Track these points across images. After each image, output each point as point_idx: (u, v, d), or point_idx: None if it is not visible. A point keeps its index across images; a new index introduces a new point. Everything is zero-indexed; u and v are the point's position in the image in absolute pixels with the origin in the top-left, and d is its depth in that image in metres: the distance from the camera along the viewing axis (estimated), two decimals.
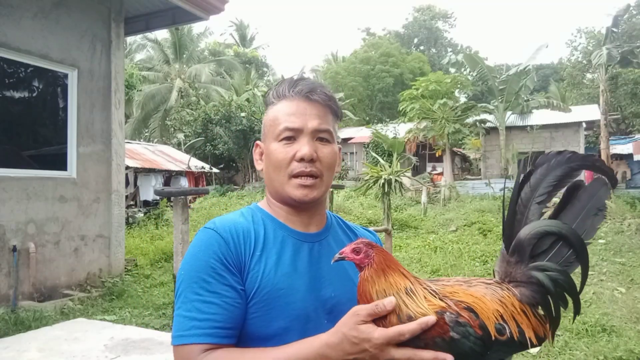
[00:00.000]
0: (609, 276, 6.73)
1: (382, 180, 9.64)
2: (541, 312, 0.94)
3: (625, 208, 11.35)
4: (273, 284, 1.03)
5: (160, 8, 7.11)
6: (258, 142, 1.21)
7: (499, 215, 11.12)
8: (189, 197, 10.11)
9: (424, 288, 0.92)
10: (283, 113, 1.11)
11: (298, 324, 1.03)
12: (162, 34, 29.00)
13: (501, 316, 0.89)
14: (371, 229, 1.42)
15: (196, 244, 1.06)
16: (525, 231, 0.94)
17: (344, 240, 1.20)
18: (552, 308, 0.93)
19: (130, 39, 27.33)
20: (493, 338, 0.87)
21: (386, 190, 9.53)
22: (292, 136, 1.09)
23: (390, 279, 0.94)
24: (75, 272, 6.17)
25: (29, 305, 5.27)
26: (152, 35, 28.31)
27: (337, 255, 0.99)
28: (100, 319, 4.89)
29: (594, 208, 0.94)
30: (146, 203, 14.80)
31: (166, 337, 4.17)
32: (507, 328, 0.88)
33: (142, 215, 13.13)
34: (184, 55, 29.31)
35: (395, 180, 9.69)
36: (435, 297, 0.90)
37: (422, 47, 44.04)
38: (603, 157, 13.86)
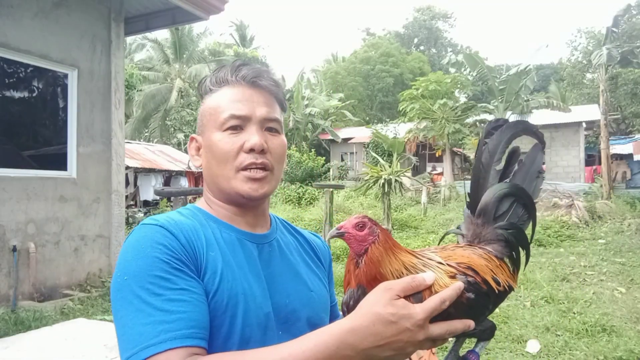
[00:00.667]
0: (609, 276, 6.73)
1: (382, 180, 9.65)
2: (508, 263, 1.00)
3: (625, 208, 11.35)
4: (232, 288, 0.90)
5: (160, 8, 7.11)
6: (193, 135, 1.06)
7: None
8: (189, 197, 10.11)
9: (429, 258, 0.89)
10: (226, 100, 0.99)
11: (258, 334, 0.91)
12: (162, 34, 29.00)
13: (491, 270, 0.91)
14: None
15: (137, 242, 0.89)
16: (489, 195, 0.99)
17: (291, 242, 1.12)
18: (515, 259, 1.00)
19: (130, 39, 27.32)
20: (496, 291, 0.88)
21: (386, 190, 9.54)
22: (238, 125, 0.97)
23: (400, 257, 0.87)
24: (75, 272, 6.17)
25: (29, 305, 5.27)
26: (152, 35, 28.30)
27: (334, 230, 0.87)
28: (100, 319, 4.89)
29: (535, 172, 1.03)
30: (146, 203, 14.81)
31: None
32: (499, 280, 0.91)
33: (142, 215, 13.13)
34: (184, 55, 29.31)
35: (395, 180, 9.70)
36: (442, 264, 0.88)
37: (422, 47, 44.06)
38: (603, 157, 13.86)
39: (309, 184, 18.94)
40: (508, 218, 0.99)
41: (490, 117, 20.87)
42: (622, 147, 21.01)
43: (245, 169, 0.97)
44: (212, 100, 1.02)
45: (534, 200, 1.02)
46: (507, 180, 1.02)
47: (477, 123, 20.27)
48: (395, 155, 14.43)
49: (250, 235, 1.02)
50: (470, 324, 0.81)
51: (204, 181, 1.06)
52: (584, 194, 13.42)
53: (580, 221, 10.17)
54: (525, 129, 1.05)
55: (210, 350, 0.84)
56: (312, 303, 1.03)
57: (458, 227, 1.05)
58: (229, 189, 0.99)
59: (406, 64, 33.51)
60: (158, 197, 13.95)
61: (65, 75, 6.19)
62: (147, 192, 14.69)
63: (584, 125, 21.86)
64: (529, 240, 1.01)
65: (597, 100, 18.49)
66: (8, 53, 5.54)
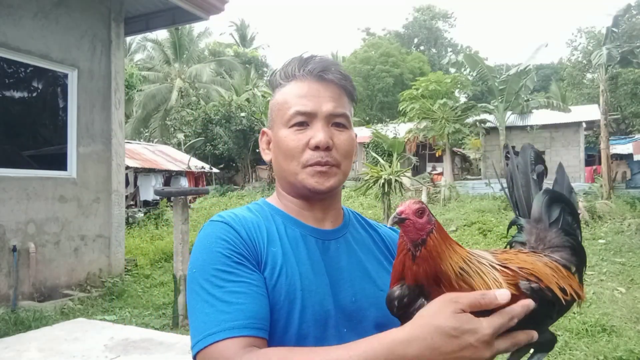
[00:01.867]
0: (609, 276, 6.73)
1: (382, 180, 9.65)
2: (574, 273, 0.95)
3: (625, 208, 11.34)
4: (291, 284, 0.91)
5: (160, 8, 7.11)
6: (265, 129, 1.08)
7: (499, 215, 11.12)
8: (189, 197, 10.11)
9: (480, 256, 0.83)
10: (293, 95, 0.98)
11: (316, 330, 0.91)
12: (162, 34, 29.03)
13: (557, 279, 0.85)
14: None
15: (204, 237, 0.94)
16: (539, 200, 0.97)
17: (364, 238, 1.08)
18: (579, 267, 0.97)
19: (130, 39, 27.34)
20: (562, 300, 0.82)
21: (386, 190, 9.54)
22: (304, 121, 0.97)
23: (456, 249, 0.80)
24: (75, 272, 6.17)
25: (29, 305, 5.27)
26: (152, 35, 28.36)
27: (395, 215, 0.80)
28: (100, 319, 4.89)
29: (568, 187, 1.03)
30: (146, 203, 14.81)
31: (166, 337, 4.17)
32: (565, 289, 0.85)
33: (142, 215, 13.13)
34: (184, 55, 29.31)
35: (395, 180, 9.70)
36: (495, 265, 0.82)
37: (422, 47, 44.06)
38: (603, 157, 13.85)
39: None
40: (561, 225, 0.97)
41: (490, 117, 20.89)
42: (622, 147, 21.01)
43: (310, 166, 0.97)
44: (281, 95, 1.01)
45: (578, 214, 1.01)
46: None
47: (477, 123, 20.27)
48: (395, 155, 14.42)
49: (316, 231, 1.01)
50: (533, 335, 0.76)
51: (275, 175, 1.07)
52: (584, 194, 13.41)
53: (580, 221, 10.16)
54: (536, 155, 1.07)
55: (268, 343, 0.86)
56: (380, 302, 0.95)
57: (514, 236, 1.01)
58: (296, 183, 0.99)
59: (406, 64, 33.50)
60: (158, 197, 13.95)
61: (65, 75, 6.19)
62: (147, 192, 14.68)
63: (584, 125, 21.85)
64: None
65: (597, 100, 18.50)
66: (8, 53, 5.55)
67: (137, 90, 24.54)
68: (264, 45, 43.89)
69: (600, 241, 8.81)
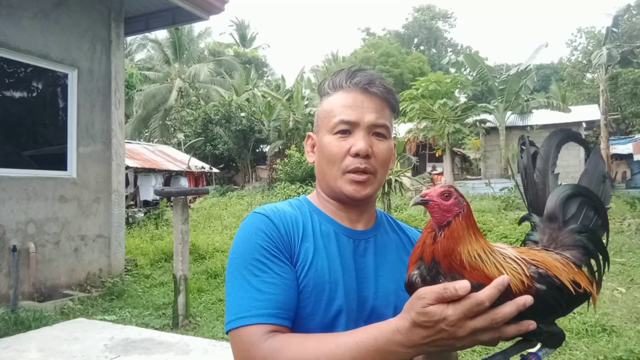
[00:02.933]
0: (609, 276, 6.73)
1: None
2: (587, 273, 0.94)
3: (625, 208, 11.34)
4: (319, 277, 0.99)
5: (160, 8, 7.11)
6: (310, 133, 1.16)
7: (499, 215, 11.12)
8: (189, 197, 10.11)
9: (502, 249, 0.85)
10: (339, 105, 1.06)
11: (340, 322, 0.99)
12: (162, 34, 29.01)
13: (567, 273, 0.85)
14: None
15: (247, 227, 1.03)
16: (554, 197, 0.96)
17: (393, 240, 1.15)
18: (595, 269, 0.95)
19: (130, 39, 27.34)
20: (574, 292, 0.83)
21: (386, 190, 9.54)
22: (347, 129, 1.05)
23: (480, 240, 0.82)
24: (75, 272, 6.17)
25: (29, 305, 5.26)
26: (152, 35, 28.33)
27: (418, 197, 0.85)
28: (100, 319, 4.89)
29: (600, 176, 1.00)
30: (146, 203, 14.80)
31: (166, 337, 4.17)
32: (577, 281, 0.86)
33: (142, 215, 13.13)
34: (184, 55, 29.31)
35: (395, 180, 9.70)
36: (517, 259, 0.83)
37: (422, 47, 44.06)
38: (603, 157, 13.87)
39: (309, 184, 18.94)
40: (580, 222, 0.94)
41: (490, 117, 20.89)
42: (622, 147, 21.01)
43: (350, 172, 1.04)
44: (327, 103, 1.09)
45: (606, 206, 0.97)
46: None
47: (477, 123, 20.27)
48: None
49: (348, 231, 1.09)
50: (528, 326, 0.79)
51: (316, 176, 1.15)
52: None
53: None
54: (570, 135, 1.05)
55: (294, 328, 0.97)
56: (401, 303, 1.02)
57: (527, 234, 1.00)
58: (335, 188, 1.07)
59: (406, 64, 33.51)
60: (158, 197, 13.94)
61: (65, 75, 6.19)
62: (147, 192, 14.67)
63: (584, 125, 21.85)
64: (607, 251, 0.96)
65: (597, 100, 18.51)
66: (8, 53, 5.54)
67: (137, 90, 24.53)
68: (264, 45, 43.86)
69: None
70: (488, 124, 20.84)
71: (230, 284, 0.99)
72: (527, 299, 0.77)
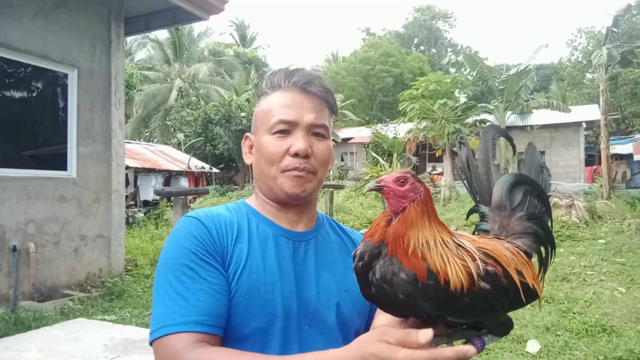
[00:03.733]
0: (609, 276, 6.73)
1: None
2: (536, 262, 0.94)
3: (625, 208, 11.34)
4: (254, 279, 0.96)
5: (160, 8, 7.11)
6: (248, 134, 1.14)
7: None
8: (189, 197, 10.11)
9: (459, 241, 0.83)
10: (277, 105, 1.05)
11: (278, 325, 0.96)
12: (162, 34, 29.02)
13: (515, 265, 0.84)
14: None
15: (176, 231, 1.00)
16: (500, 185, 0.95)
17: (334, 242, 1.14)
18: (544, 257, 0.95)
19: (130, 39, 27.34)
20: (519, 288, 0.81)
21: None
22: (286, 129, 1.03)
23: (434, 227, 0.80)
24: (75, 272, 6.17)
25: (29, 305, 5.26)
26: (152, 34, 28.33)
27: (373, 183, 0.83)
28: (100, 319, 4.89)
29: (537, 166, 1.01)
30: (146, 203, 14.81)
31: None
32: (525, 278, 0.83)
33: (142, 215, 13.12)
34: (184, 55, 29.31)
35: None
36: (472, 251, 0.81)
37: (422, 47, 44.04)
38: (603, 157, 13.84)
39: None
40: (526, 209, 0.95)
41: (490, 117, 20.89)
42: (622, 147, 20.99)
43: (289, 171, 1.03)
44: (265, 103, 1.08)
45: (547, 194, 0.99)
46: None
47: (477, 123, 20.26)
48: (395, 155, 14.43)
49: (288, 232, 1.07)
50: (467, 350, 0.77)
51: (254, 178, 1.13)
52: (584, 194, 13.40)
53: (580, 221, 10.16)
54: (501, 132, 1.06)
55: (227, 335, 0.93)
56: (344, 303, 1.04)
57: (477, 224, 1.00)
58: (275, 188, 1.05)
59: (406, 64, 33.49)
60: (158, 197, 13.94)
61: (65, 75, 6.19)
62: (147, 192, 14.68)
63: (584, 125, 21.86)
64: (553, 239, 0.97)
65: (597, 100, 18.49)
66: (8, 53, 5.54)
67: (137, 90, 24.54)
68: (264, 45, 43.86)
69: (600, 241, 8.80)
70: (488, 124, 20.82)
71: (156, 292, 0.94)
72: (469, 350, 0.76)
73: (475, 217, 1.02)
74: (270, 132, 1.04)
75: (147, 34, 26.62)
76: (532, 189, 0.97)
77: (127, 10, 7.00)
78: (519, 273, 0.82)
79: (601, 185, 13.75)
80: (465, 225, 10.84)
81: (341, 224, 1.23)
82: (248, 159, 1.13)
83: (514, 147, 1.13)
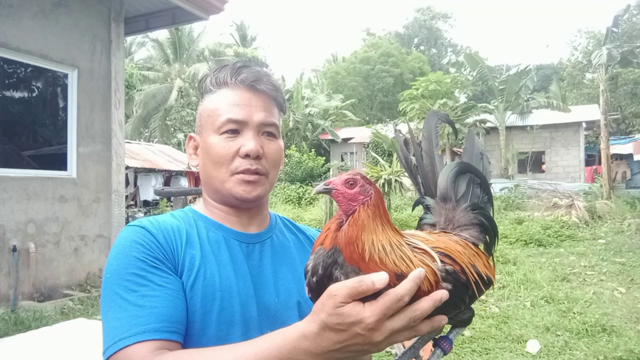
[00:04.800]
0: (609, 276, 6.73)
1: (382, 180, 9.66)
2: (484, 250, 0.93)
3: (625, 208, 11.35)
4: (209, 285, 0.91)
5: (160, 8, 7.11)
6: (192, 134, 1.07)
7: (499, 215, 11.12)
8: (189, 197, 10.11)
9: (411, 242, 0.80)
10: (225, 103, 0.99)
11: (237, 332, 0.91)
12: (162, 34, 29.01)
13: (469, 258, 0.82)
14: None
15: (119, 242, 0.92)
16: (444, 176, 0.94)
17: (290, 241, 1.10)
18: (489, 244, 0.95)
19: (130, 39, 27.35)
20: (477, 281, 0.80)
21: (386, 190, 9.55)
22: (235, 129, 0.98)
23: (387, 230, 0.77)
24: (75, 272, 6.17)
25: (29, 305, 5.27)
26: (152, 34, 28.33)
27: (321, 185, 0.79)
28: (100, 319, 4.89)
29: (478, 154, 1.00)
30: (146, 203, 14.82)
31: None
32: (479, 270, 0.83)
33: (142, 215, 13.13)
34: (184, 55, 29.31)
35: (395, 180, 9.71)
36: (426, 250, 0.79)
37: (422, 47, 44.05)
38: (603, 157, 13.85)
39: (309, 184, 18.95)
40: (470, 200, 0.94)
41: (490, 117, 20.89)
42: (622, 147, 21.00)
43: (239, 173, 0.98)
44: (211, 102, 1.02)
45: (488, 182, 0.98)
46: None
47: (477, 123, 20.27)
48: (395, 155, 14.41)
49: (240, 235, 1.02)
50: (440, 321, 0.74)
51: (201, 181, 1.07)
52: (584, 194, 13.41)
53: (580, 221, 10.16)
54: (442, 117, 1.03)
55: (185, 345, 0.86)
56: (305, 302, 0.99)
57: (421, 218, 0.97)
58: (223, 191, 1.00)
59: (406, 64, 33.51)
60: (158, 197, 13.96)
61: (65, 75, 6.19)
62: (147, 192, 14.69)
63: (584, 125, 21.86)
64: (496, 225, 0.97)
65: (597, 100, 18.49)
66: (8, 53, 5.54)
67: (137, 90, 24.55)
68: (264, 45, 43.86)
69: (600, 241, 8.81)
70: (488, 124, 20.85)
71: (105, 307, 0.86)
72: (442, 294, 0.71)
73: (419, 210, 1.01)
74: (218, 132, 0.98)
75: (147, 34, 26.62)
76: (475, 178, 0.96)
77: (127, 10, 7.00)
78: (473, 266, 0.82)
79: (601, 185, 13.76)
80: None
81: (295, 221, 1.18)
82: (193, 160, 1.06)
83: (456, 132, 1.15)
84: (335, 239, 0.76)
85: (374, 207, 0.77)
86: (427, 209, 0.96)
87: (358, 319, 0.68)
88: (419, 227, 0.97)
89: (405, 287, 0.68)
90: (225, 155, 0.97)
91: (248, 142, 0.97)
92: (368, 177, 0.85)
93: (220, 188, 1.00)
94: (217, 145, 0.98)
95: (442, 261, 0.77)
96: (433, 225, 0.94)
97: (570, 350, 4.20)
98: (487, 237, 0.93)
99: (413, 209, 1.05)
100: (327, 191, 0.79)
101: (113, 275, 0.88)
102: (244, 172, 0.97)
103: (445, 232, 0.90)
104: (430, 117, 1.02)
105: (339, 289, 0.69)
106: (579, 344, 4.30)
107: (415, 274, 0.69)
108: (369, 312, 0.68)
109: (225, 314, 0.91)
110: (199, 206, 1.07)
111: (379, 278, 0.68)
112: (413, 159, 0.99)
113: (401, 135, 1.03)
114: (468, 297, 0.81)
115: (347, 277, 0.73)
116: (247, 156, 0.97)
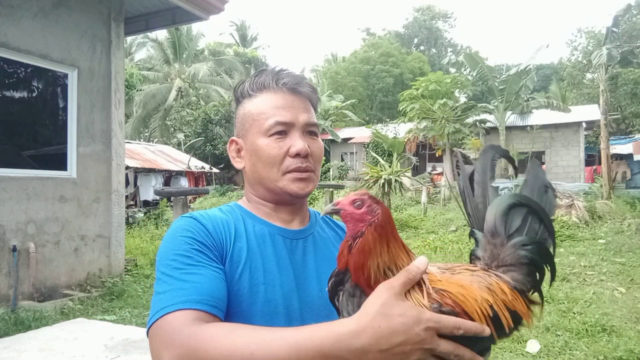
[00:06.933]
0: (609, 276, 6.73)
1: (382, 180, 9.68)
2: (532, 295, 0.87)
3: (625, 208, 11.34)
4: (254, 278, 0.96)
5: (160, 8, 7.11)
6: (234, 138, 1.12)
7: None
8: (189, 197, 10.12)
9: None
10: (270, 107, 1.04)
11: (280, 324, 0.95)
12: (162, 34, 29.02)
13: (490, 306, 0.78)
14: None
15: (172, 230, 0.98)
16: (493, 208, 0.89)
17: (330, 237, 1.15)
18: (538, 281, 0.89)
19: (130, 39, 27.34)
20: (486, 331, 0.77)
21: (386, 190, 9.56)
22: (283, 130, 1.03)
23: (392, 250, 0.78)
24: (75, 272, 6.17)
25: (29, 305, 5.26)
26: (152, 34, 28.33)
27: (330, 206, 0.83)
28: (100, 319, 4.89)
29: (542, 186, 0.95)
30: (146, 203, 14.82)
31: None
32: (501, 321, 0.80)
33: (142, 215, 13.13)
34: (184, 55, 29.31)
35: (395, 180, 9.72)
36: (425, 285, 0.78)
37: (422, 47, 44.06)
38: (603, 157, 13.85)
39: None
40: (526, 234, 0.87)
41: (490, 117, 20.90)
42: (622, 147, 20.98)
43: (291, 172, 1.03)
44: (254, 106, 1.07)
45: (551, 217, 0.91)
46: None
47: (477, 123, 20.28)
48: (395, 155, 14.43)
49: (284, 231, 1.07)
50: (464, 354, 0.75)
51: (246, 181, 1.12)
52: (584, 194, 13.40)
53: (580, 221, 10.16)
54: (502, 152, 1.02)
55: None
56: None
57: (473, 249, 0.94)
58: (276, 189, 1.05)
59: (406, 64, 33.53)
60: (158, 197, 13.95)
61: (65, 75, 6.19)
62: (147, 192, 14.69)
63: (584, 125, 21.86)
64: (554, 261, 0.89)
65: (597, 100, 18.49)
66: (8, 53, 5.54)
67: (137, 90, 24.56)
68: (264, 45, 43.85)
69: (600, 241, 8.81)
70: (488, 124, 20.85)
71: (155, 286, 0.92)
72: (485, 329, 0.76)
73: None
74: (267, 134, 1.03)
75: (147, 34, 26.62)
76: (533, 211, 0.89)
77: (127, 10, 7.00)
78: (494, 316, 0.77)
79: (601, 185, 13.76)
80: (465, 226, 10.85)
81: (333, 218, 1.21)
82: (238, 163, 1.11)
83: (515, 168, 1.10)
84: (347, 262, 0.79)
85: (381, 228, 0.78)
86: (477, 242, 0.93)
87: (419, 317, 0.72)
88: (470, 260, 0.94)
89: (469, 325, 0.74)
90: (277, 155, 1.03)
91: (297, 142, 1.03)
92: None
93: (273, 187, 1.05)
94: (267, 146, 1.03)
95: (437, 301, 0.75)
96: (479, 259, 0.90)
97: (570, 350, 4.20)
98: (537, 276, 0.87)
99: (470, 239, 1.00)
100: (336, 212, 0.81)
101: (162, 257, 0.93)
102: (295, 170, 1.03)
103: (485, 270, 0.85)
104: (487, 150, 0.99)
105: (392, 280, 0.75)
106: (579, 344, 4.30)
107: (482, 327, 0.75)
108: (429, 314, 0.73)
109: (269, 305, 0.96)
110: (244, 203, 1.13)
111: (420, 261, 0.76)
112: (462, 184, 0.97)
113: (457, 159, 1.03)
114: (476, 340, 0.77)
115: (351, 297, 0.78)
116: (297, 155, 1.03)
